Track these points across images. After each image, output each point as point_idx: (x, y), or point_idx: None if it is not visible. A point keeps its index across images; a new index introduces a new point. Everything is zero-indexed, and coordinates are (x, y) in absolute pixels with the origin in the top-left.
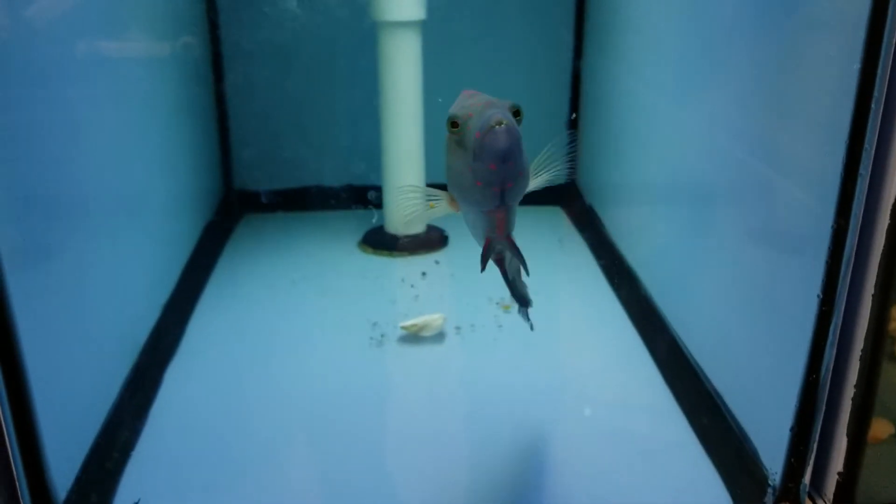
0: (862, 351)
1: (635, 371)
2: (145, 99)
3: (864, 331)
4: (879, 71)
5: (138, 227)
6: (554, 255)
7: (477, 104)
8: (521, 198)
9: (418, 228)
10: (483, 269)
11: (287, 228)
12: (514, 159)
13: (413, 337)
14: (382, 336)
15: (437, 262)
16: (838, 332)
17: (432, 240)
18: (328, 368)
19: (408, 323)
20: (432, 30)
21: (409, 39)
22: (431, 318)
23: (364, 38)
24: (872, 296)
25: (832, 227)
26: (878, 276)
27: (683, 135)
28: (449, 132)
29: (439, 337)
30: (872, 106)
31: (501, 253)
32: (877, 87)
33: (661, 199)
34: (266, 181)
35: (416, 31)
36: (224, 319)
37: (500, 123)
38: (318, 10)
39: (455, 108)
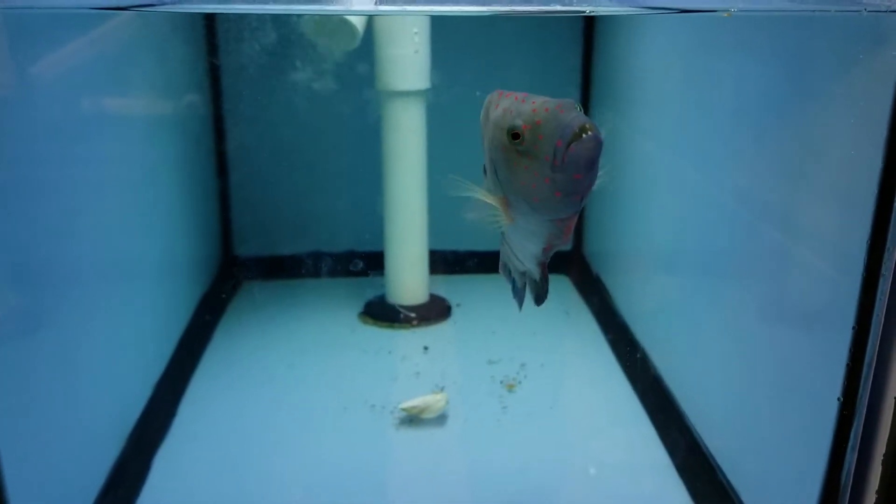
0: (884, 455)
1: (645, 460)
2: (141, 162)
3: (887, 434)
4: None
5: (133, 298)
6: (560, 327)
7: (536, 107)
8: None
9: (421, 298)
10: (545, 277)
11: (287, 297)
12: (597, 166)
13: (414, 419)
14: (382, 419)
15: (440, 335)
16: (860, 436)
17: (435, 311)
18: (326, 455)
19: (408, 404)
20: (437, 96)
21: (413, 108)
22: (433, 399)
23: (368, 105)
24: (895, 398)
25: (853, 328)
26: None
27: (695, 203)
28: (508, 144)
29: (441, 419)
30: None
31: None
32: None
33: (672, 271)
34: (267, 247)
35: (420, 99)
36: (217, 400)
37: (585, 130)
38: (322, 77)
39: (509, 115)
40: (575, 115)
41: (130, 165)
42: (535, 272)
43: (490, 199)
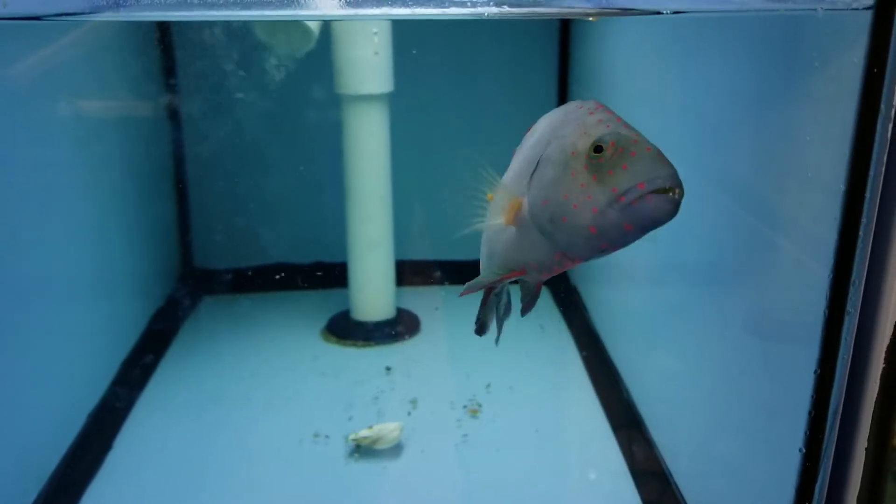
0: None
1: (612, 496)
2: (84, 168)
3: (857, 490)
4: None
5: (64, 317)
6: (533, 343)
7: (639, 139)
8: None
9: (388, 314)
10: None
11: (248, 313)
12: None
13: (366, 450)
14: (333, 450)
15: (405, 354)
16: (825, 492)
17: (402, 328)
18: (270, 492)
19: (359, 435)
20: (403, 101)
21: (375, 113)
22: (387, 429)
23: (330, 110)
24: (866, 450)
25: (815, 372)
26: (871, 428)
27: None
28: (583, 152)
29: (396, 450)
30: (860, 233)
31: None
32: (865, 213)
33: (647, 283)
34: (229, 259)
35: (382, 103)
36: (158, 431)
37: (674, 191)
38: (281, 81)
39: (602, 127)
40: (675, 173)
41: (66, 169)
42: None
43: (501, 194)
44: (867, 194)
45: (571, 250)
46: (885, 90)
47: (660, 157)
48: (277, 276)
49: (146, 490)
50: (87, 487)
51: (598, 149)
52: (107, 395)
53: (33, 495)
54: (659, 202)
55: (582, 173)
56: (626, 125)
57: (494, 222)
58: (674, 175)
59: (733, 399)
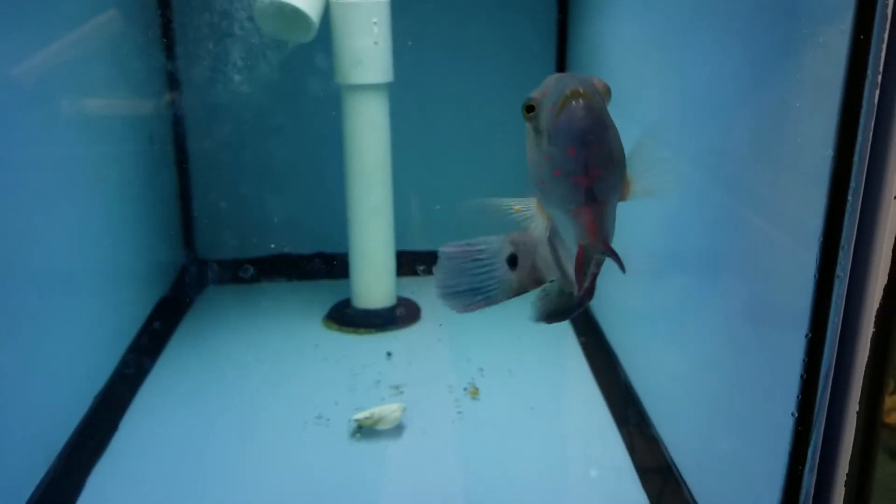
0: (847, 476)
1: (611, 475)
2: (87, 159)
3: (849, 453)
4: (856, 159)
5: (71, 304)
6: (532, 330)
7: (557, 78)
8: (616, 192)
9: (388, 301)
10: (581, 289)
11: (251, 302)
12: (598, 140)
13: (368, 430)
14: (335, 431)
15: (406, 340)
16: (818, 455)
17: (403, 314)
18: (273, 472)
19: (361, 415)
20: (401, 89)
21: (375, 102)
22: (388, 410)
23: (331, 100)
24: (857, 413)
25: (806, 336)
26: (862, 392)
27: (674, 197)
28: (525, 120)
29: (397, 430)
30: (849, 197)
31: (597, 268)
32: (854, 177)
33: (644, 269)
34: (233, 250)
35: (382, 93)
36: (164, 414)
37: (578, 96)
38: (282, 71)
39: (533, 92)
40: (573, 82)
41: (73, 165)
42: (571, 282)
43: (524, 202)
44: (855, 159)
45: (565, 201)
46: (871, 57)
47: (570, 78)
48: (279, 267)
49: (151, 470)
50: (92, 468)
51: (530, 108)
52: (112, 379)
53: (40, 475)
54: (565, 111)
55: (534, 139)
56: (563, 77)
57: (537, 224)
58: (573, 83)
59: (732, 382)
